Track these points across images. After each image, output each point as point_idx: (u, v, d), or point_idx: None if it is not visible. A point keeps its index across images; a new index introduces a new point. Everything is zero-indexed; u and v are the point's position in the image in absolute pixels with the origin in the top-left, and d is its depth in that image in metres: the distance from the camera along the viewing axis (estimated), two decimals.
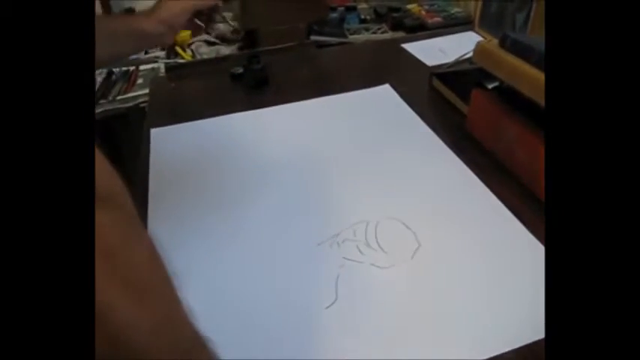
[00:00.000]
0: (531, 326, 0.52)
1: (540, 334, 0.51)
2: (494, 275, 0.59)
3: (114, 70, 1.53)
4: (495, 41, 0.78)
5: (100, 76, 1.53)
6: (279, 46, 1.29)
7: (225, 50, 1.39)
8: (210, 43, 1.41)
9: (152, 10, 0.89)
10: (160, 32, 0.88)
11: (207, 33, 1.25)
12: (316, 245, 0.65)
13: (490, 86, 0.85)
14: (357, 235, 0.66)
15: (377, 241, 0.65)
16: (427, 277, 0.60)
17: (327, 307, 0.57)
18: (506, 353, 0.51)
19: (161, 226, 0.70)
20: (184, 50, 1.44)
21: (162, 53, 1.50)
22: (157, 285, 0.35)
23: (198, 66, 1.30)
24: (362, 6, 1.66)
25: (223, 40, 1.41)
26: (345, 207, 0.71)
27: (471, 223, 0.67)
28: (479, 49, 0.80)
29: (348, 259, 0.62)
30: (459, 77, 1.02)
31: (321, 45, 1.38)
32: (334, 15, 1.52)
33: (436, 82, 1.04)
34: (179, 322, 0.37)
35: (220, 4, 0.95)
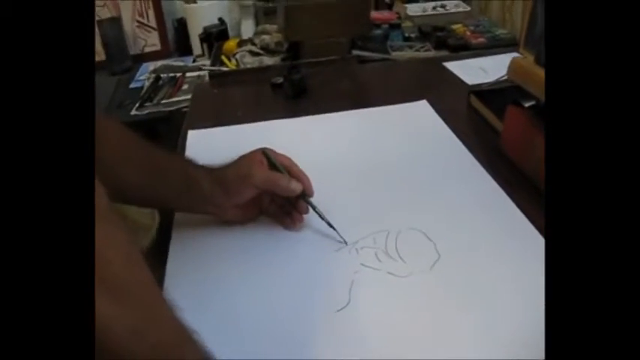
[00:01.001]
0: None
1: None
2: (514, 294, 0.57)
3: (162, 75, 1.59)
4: (531, 58, 0.77)
5: (148, 80, 1.59)
6: (322, 59, 1.31)
7: (268, 61, 1.42)
8: (254, 54, 1.44)
9: (225, 170, 0.67)
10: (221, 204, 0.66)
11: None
12: (334, 251, 0.65)
13: (527, 104, 0.84)
14: (377, 242, 0.66)
15: (396, 250, 0.64)
16: (445, 289, 0.59)
17: (339, 311, 0.56)
18: None
19: (186, 224, 0.72)
20: (229, 59, 1.48)
21: (207, 62, 1.54)
22: (135, 286, 0.35)
23: (241, 74, 1.33)
24: (406, 24, 1.67)
25: (267, 51, 1.44)
26: (369, 216, 0.71)
27: (494, 239, 0.65)
28: (514, 65, 0.79)
29: (365, 266, 0.62)
30: (498, 95, 1.00)
31: (363, 60, 1.38)
32: (378, 32, 1.53)
33: (474, 100, 1.03)
34: (162, 322, 0.37)
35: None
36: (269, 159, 0.68)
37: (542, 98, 0.74)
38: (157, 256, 0.67)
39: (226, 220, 0.69)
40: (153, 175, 0.65)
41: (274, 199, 0.70)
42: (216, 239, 0.69)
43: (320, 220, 0.67)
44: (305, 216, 0.70)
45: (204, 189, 0.65)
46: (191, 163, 0.68)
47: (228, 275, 0.63)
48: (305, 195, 0.67)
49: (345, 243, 0.65)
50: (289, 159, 0.69)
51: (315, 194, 0.76)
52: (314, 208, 0.67)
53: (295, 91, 1.13)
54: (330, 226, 0.66)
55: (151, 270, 0.37)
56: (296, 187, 0.66)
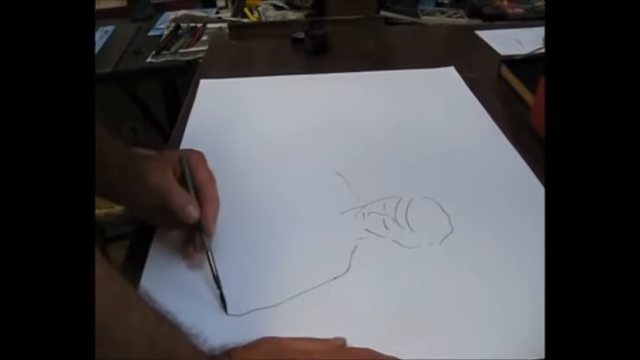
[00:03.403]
0: None
1: None
2: (525, 281, 0.52)
3: (182, 24, 1.53)
4: None
5: (167, 29, 1.54)
6: (347, 17, 1.24)
7: (291, 16, 1.36)
8: (278, 7, 1.38)
9: (137, 163, 0.55)
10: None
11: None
12: (339, 213, 0.60)
13: None
14: (386, 209, 0.61)
15: (406, 219, 0.59)
16: (453, 265, 0.54)
17: (336, 278, 0.52)
18: None
19: None
20: (252, 12, 1.42)
21: (228, 13, 1.48)
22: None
23: (262, 28, 1.28)
24: None
25: (292, 5, 1.38)
26: (380, 180, 0.66)
27: (515, 219, 0.60)
28: None
29: (370, 232, 0.57)
30: (530, 67, 0.94)
31: (390, 22, 1.32)
32: None
33: (505, 70, 0.96)
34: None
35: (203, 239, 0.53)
36: (182, 168, 0.56)
37: None
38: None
39: (130, 215, 0.58)
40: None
41: None
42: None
43: (327, 180, 0.62)
44: (311, 174, 0.64)
45: (111, 176, 0.53)
46: (119, 147, 0.56)
47: (219, 240, 0.57)
48: (201, 229, 0.53)
49: (225, 309, 0.48)
50: (211, 177, 0.57)
51: (322, 154, 0.71)
52: (206, 251, 0.52)
53: (316, 48, 1.08)
54: (217, 283, 0.50)
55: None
56: (191, 212, 0.52)
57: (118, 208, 1.17)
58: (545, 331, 0.30)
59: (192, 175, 0.56)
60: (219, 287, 0.49)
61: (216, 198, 0.55)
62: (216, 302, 0.49)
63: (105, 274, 0.33)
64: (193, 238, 0.54)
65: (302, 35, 1.11)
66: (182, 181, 0.55)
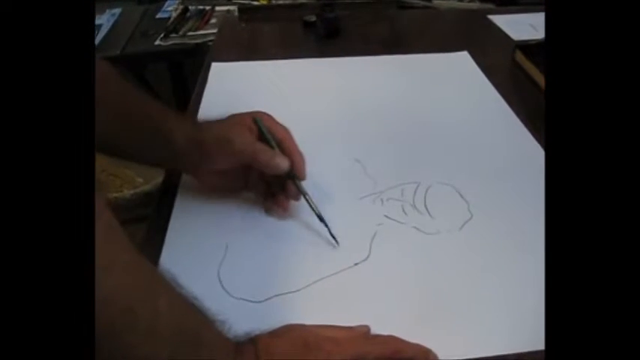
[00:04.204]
0: None
1: None
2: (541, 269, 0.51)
3: (190, 7, 1.52)
4: None
5: (175, 11, 1.53)
6: (359, 0, 1.23)
7: None
8: None
9: (207, 128, 0.57)
10: (193, 161, 0.56)
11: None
12: (358, 199, 0.60)
13: None
14: (404, 195, 0.60)
15: (425, 205, 0.59)
16: (473, 252, 0.53)
17: (357, 264, 0.52)
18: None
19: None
20: None
21: None
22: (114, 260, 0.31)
23: (273, 10, 1.26)
24: None
25: None
26: (398, 165, 0.66)
27: (534, 204, 0.59)
28: None
29: (390, 218, 0.57)
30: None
31: (402, 5, 1.30)
32: None
33: (519, 55, 0.95)
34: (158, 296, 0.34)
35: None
36: (259, 127, 0.57)
37: None
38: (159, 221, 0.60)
39: (201, 183, 0.60)
40: (122, 120, 0.55)
41: (263, 174, 0.58)
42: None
43: (344, 166, 0.62)
44: (327, 160, 0.64)
45: (176, 145, 0.54)
46: (171, 115, 0.57)
47: (240, 225, 0.57)
48: (294, 176, 0.55)
49: (337, 243, 0.53)
50: (287, 131, 0.58)
51: (337, 139, 0.71)
52: (304, 195, 0.55)
53: (328, 31, 1.07)
54: (322, 220, 0.54)
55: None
56: (281, 163, 0.54)
57: (127, 192, 1.16)
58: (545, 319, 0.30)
59: (270, 131, 0.57)
60: (327, 225, 0.53)
61: (298, 147, 0.57)
62: (235, 287, 0.49)
63: (132, 259, 0.33)
64: (276, 193, 0.58)
65: (313, 18, 1.10)
66: (261, 140, 0.56)
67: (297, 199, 0.56)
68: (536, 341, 0.44)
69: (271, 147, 0.56)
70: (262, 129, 0.57)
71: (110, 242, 0.31)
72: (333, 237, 0.53)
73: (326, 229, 0.53)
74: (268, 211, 0.58)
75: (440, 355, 0.43)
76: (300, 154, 0.57)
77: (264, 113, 0.59)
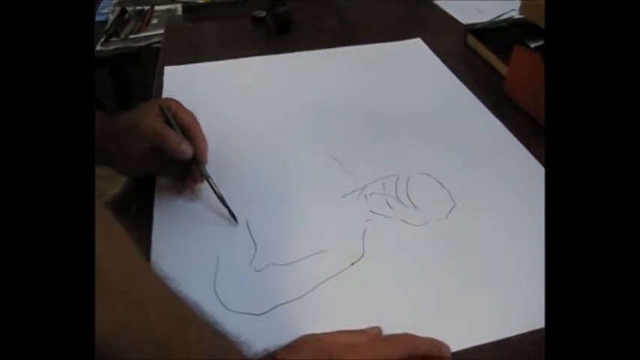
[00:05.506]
0: None
1: None
2: (533, 246, 0.53)
3: (127, 8, 1.46)
4: None
5: (113, 13, 1.47)
6: None
7: None
8: None
9: (120, 117, 0.59)
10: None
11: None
12: (341, 197, 0.60)
13: (533, 45, 0.79)
14: (386, 188, 0.60)
15: (408, 197, 0.59)
16: (464, 239, 0.54)
17: (353, 264, 0.51)
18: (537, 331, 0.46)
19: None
20: None
21: None
22: (121, 278, 0.30)
23: (218, 7, 1.23)
24: None
25: None
26: (373, 159, 0.65)
27: (509, 185, 0.61)
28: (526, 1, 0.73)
29: (377, 213, 0.57)
30: (497, 35, 0.95)
31: None
32: None
33: (472, 40, 0.97)
34: (153, 307, 0.32)
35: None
36: (164, 113, 0.59)
37: None
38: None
39: (119, 172, 0.63)
40: None
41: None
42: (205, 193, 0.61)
43: (318, 166, 0.61)
44: (300, 161, 0.63)
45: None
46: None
47: (228, 236, 0.56)
48: (197, 161, 0.58)
49: (236, 221, 0.56)
50: (193, 117, 0.61)
51: (305, 138, 0.70)
52: (206, 178, 0.58)
53: (279, 26, 1.05)
54: (223, 202, 0.57)
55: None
56: (185, 149, 0.56)
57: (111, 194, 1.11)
58: (545, 298, 0.31)
59: (175, 117, 0.60)
60: (226, 205, 0.57)
61: (202, 133, 0.60)
62: (233, 301, 0.48)
63: (160, 291, 0.31)
64: (189, 174, 0.60)
65: (263, 14, 1.08)
66: (168, 125, 0.58)
67: (201, 181, 0.60)
68: (537, 320, 0.45)
69: (174, 131, 0.58)
70: (168, 115, 0.59)
71: (121, 258, 0.30)
72: (233, 216, 0.56)
73: (226, 209, 0.56)
74: (179, 193, 0.61)
75: (451, 346, 0.43)
76: (204, 139, 0.60)
77: (172, 100, 0.62)
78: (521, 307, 0.47)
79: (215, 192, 0.57)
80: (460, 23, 1.08)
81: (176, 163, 0.60)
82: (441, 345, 0.42)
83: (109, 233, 0.30)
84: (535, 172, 0.63)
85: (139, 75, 0.94)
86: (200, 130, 0.60)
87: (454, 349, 0.43)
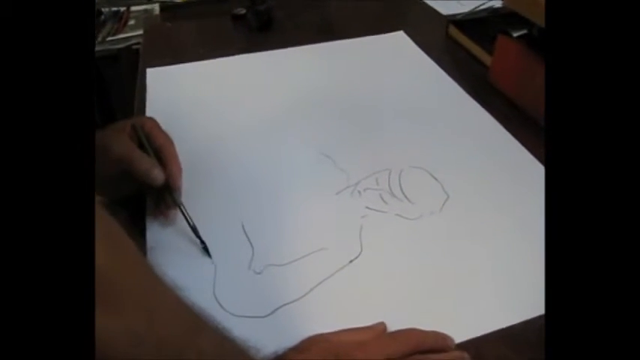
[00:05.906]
0: None
1: None
2: (528, 232, 0.54)
3: (103, 9, 1.44)
4: None
5: None
6: None
7: None
8: None
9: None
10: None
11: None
12: (335, 194, 0.59)
13: (516, 34, 0.79)
14: (379, 183, 0.60)
15: (402, 191, 0.59)
16: (460, 230, 0.55)
17: (352, 261, 0.51)
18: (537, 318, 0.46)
19: None
20: None
21: None
22: (132, 289, 0.29)
23: (196, 6, 1.21)
24: None
25: None
26: (363, 154, 0.66)
27: (501, 174, 0.62)
28: None
29: (372, 209, 0.57)
30: (479, 25, 0.95)
31: None
32: None
33: (453, 31, 0.97)
34: (165, 318, 0.31)
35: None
36: (138, 135, 0.56)
37: (544, 25, 0.69)
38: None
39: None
40: None
41: None
42: (190, 189, 0.61)
43: (308, 163, 0.61)
44: (289, 159, 0.62)
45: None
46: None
47: (224, 232, 0.56)
48: (169, 188, 0.55)
49: (209, 255, 0.52)
50: (167, 138, 0.57)
51: (294, 135, 0.70)
52: (178, 206, 0.54)
53: (260, 24, 1.04)
54: (195, 233, 0.53)
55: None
56: (157, 175, 0.53)
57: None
58: (545, 284, 0.31)
59: (149, 138, 0.56)
60: (199, 236, 0.52)
61: (177, 156, 0.57)
62: (234, 305, 0.47)
63: (171, 300, 0.31)
64: (162, 199, 0.56)
65: (243, 11, 1.07)
66: (140, 147, 0.55)
67: (174, 208, 0.55)
68: (537, 307, 0.46)
69: (149, 155, 0.55)
70: (141, 136, 0.56)
71: (127, 265, 0.30)
72: (207, 252, 0.52)
73: (199, 242, 0.52)
74: (154, 217, 0.57)
75: (455, 338, 0.44)
76: (177, 163, 0.56)
77: (147, 118, 0.59)
78: (520, 295, 0.48)
79: (188, 222, 0.53)
80: (441, 15, 1.09)
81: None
82: (445, 338, 0.43)
83: (111, 238, 0.29)
84: (524, 160, 0.64)
85: (118, 78, 0.93)
86: (174, 152, 0.57)
87: (458, 340, 0.44)
